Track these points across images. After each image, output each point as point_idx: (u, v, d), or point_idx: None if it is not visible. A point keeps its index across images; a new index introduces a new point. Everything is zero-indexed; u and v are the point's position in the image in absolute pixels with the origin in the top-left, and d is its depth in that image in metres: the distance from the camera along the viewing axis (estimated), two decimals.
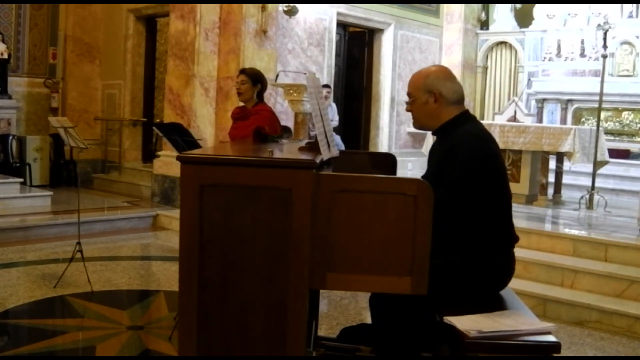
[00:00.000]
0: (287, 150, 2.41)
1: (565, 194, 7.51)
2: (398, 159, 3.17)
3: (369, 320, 2.92)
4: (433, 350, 2.65)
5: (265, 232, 1.89)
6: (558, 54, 10.55)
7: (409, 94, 2.65)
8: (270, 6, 7.58)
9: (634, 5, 9.85)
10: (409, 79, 2.70)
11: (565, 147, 6.66)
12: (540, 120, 10.24)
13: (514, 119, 7.85)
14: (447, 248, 2.51)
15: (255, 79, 4.65)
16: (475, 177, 2.41)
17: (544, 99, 10.50)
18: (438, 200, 2.33)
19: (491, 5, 11.59)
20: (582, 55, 10.30)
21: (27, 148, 8.64)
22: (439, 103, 2.57)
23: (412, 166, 10.23)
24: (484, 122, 6.96)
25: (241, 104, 4.85)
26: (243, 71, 4.78)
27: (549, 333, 2.20)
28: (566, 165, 7.35)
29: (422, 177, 2.81)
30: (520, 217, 5.86)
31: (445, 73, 2.62)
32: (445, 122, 2.59)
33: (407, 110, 2.70)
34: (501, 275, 2.56)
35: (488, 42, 11.46)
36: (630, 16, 9.93)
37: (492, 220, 2.50)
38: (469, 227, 2.48)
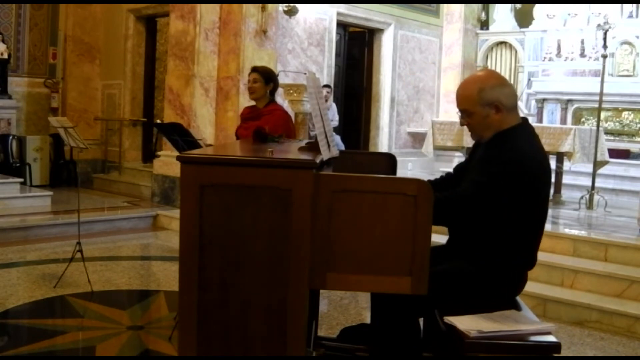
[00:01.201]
0: (287, 150, 2.41)
1: (565, 194, 7.51)
2: (398, 159, 3.17)
3: (369, 320, 2.93)
4: (433, 350, 2.66)
5: (265, 232, 1.89)
6: (558, 54, 10.55)
7: (463, 110, 2.49)
8: (270, 6, 7.58)
9: (634, 5, 9.86)
10: (457, 93, 2.52)
11: (565, 147, 6.66)
12: (540, 120, 10.24)
13: None
14: (464, 252, 2.51)
15: (268, 78, 4.44)
16: (502, 189, 2.33)
17: (544, 99, 10.50)
18: (456, 195, 2.36)
19: (491, 5, 11.60)
20: (582, 55, 10.31)
21: (27, 148, 8.64)
22: (501, 112, 2.43)
23: (412, 166, 10.24)
24: None
25: (251, 103, 4.67)
26: (255, 69, 4.55)
27: (549, 333, 2.20)
28: (566, 165, 7.35)
29: (458, 167, 2.77)
30: None
31: (497, 79, 2.48)
32: (502, 131, 2.45)
33: (463, 124, 2.53)
34: (508, 292, 2.54)
35: (488, 42, 11.47)
36: (630, 16, 9.93)
37: (515, 238, 2.43)
38: (490, 237, 2.44)
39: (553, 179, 7.31)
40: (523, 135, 2.46)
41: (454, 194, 2.40)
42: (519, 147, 2.39)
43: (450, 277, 2.44)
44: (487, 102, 2.43)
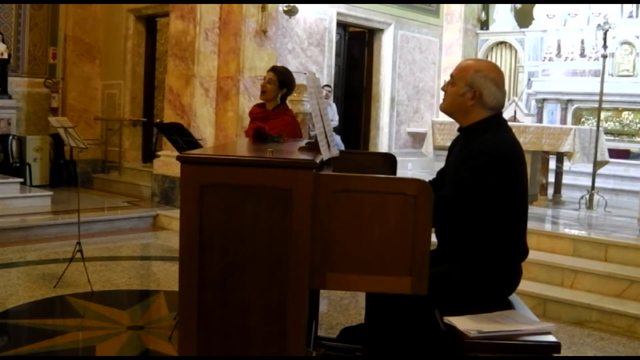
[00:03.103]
0: (287, 150, 2.41)
1: (565, 194, 7.51)
2: (398, 159, 3.17)
3: None
4: (433, 350, 2.65)
5: (265, 232, 1.89)
6: (558, 54, 10.56)
7: (451, 76, 2.55)
8: (270, 6, 7.58)
9: (634, 5, 9.86)
10: (459, 63, 2.60)
11: (565, 147, 6.66)
12: (540, 120, 10.24)
13: (514, 119, 7.85)
14: (455, 254, 2.51)
15: (283, 82, 4.20)
16: (487, 182, 2.35)
17: (544, 99, 10.51)
18: (444, 198, 2.35)
19: (491, 5, 11.60)
20: (582, 55, 10.31)
21: (27, 148, 8.64)
22: (475, 102, 2.47)
23: (412, 166, 10.23)
24: None
25: (258, 100, 4.48)
26: (273, 69, 4.29)
27: (549, 333, 2.20)
28: (566, 165, 7.35)
29: (440, 171, 2.80)
30: None
31: (496, 75, 2.50)
32: (474, 123, 2.51)
33: (442, 89, 2.60)
34: (505, 289, 2.54)
35: (488, 42, 11.47)
36: (630, 16, 9.93)
37: (503, 232, 2.45)
38: (478, 235, 2.45)
39: (553, 179, 7.33)
40: (497, 127, 2.50)
41: (438, 198, 2.41)
42: (494, 138, 2.43)
43: (449, 278, 2.44)
44: (471, 84, 2.47)
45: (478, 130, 2.49)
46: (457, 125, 2.64)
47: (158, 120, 8.64)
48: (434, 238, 2.28)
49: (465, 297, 2.43)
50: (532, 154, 6.96)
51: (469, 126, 2.53)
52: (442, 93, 2.64)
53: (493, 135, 2.44)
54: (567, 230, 5.48)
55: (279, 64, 7.99)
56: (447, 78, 2.61)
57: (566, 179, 7.82)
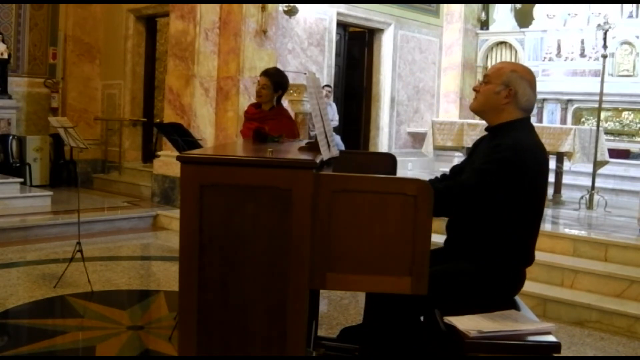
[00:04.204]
0: (287, 150, 2.40)
1: (565, 194, 7.51)
2: (398, 159, 3.16)
3: None
4: (433, 350, 2.65)
5: (265, 232, 1.89)
6: (558, 54, 10.56)
7: (486, 76, 2.57)
8: (270, 6, 7.58)
9: (634, 5, 9.86)
10: (494, 65, 2.63)
11: (565, 147, 6.66)
12: (540, 120, 10.24)
13: None
14: (455, 254, 2.51)
15: (277, 85, 4.23)
16: (504, 179, 2.36)
17: (544, 99, 10.50)
18: (460, 183, 2.39)
19: (491, 5, 11.60)
20: (582, 55, 10.31)
21: (27, 148, 8.64)
22: (509, 100, 2.49)
23: (412, 166, 10.23)
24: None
25: (253, 100, 4.52)
26: (266, 73, 4.30)
27: (549, 333, 2.20)
28: (566, 165, 7.35)
29: (455, 167, 2.79)
30: None
31: (531, 78, 2.54)
32: (502, 123, 2.52)
33: (475, 89, 2.62)
34: (505, 290, 2.54)
35: (488, 42, 11.47)
36: (630, 16, 9.93)
37: (503, 232, 2.45)
38: (478, 235, 2.46)
39: (553, 179, 7.33)
40: (524, 129, 2.52)
41: (457, 183, 2.44)
42: (519, 136, 2.44)
43: (449, 277, 2.44)
44: (507, 83, 2.50)
45: (505, 129, 2.50)
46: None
47: (158, 120, 8.64)
48: (434, 238, 2.28)
49: (465, 297, 2.44)
50: None
51: (497, 125, 2.54)
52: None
53: (520, 134, 2.46)
54: (567, 230, 5.48)
55: (279, 64, 8.01)
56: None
57: (566, 179, 7.83)
